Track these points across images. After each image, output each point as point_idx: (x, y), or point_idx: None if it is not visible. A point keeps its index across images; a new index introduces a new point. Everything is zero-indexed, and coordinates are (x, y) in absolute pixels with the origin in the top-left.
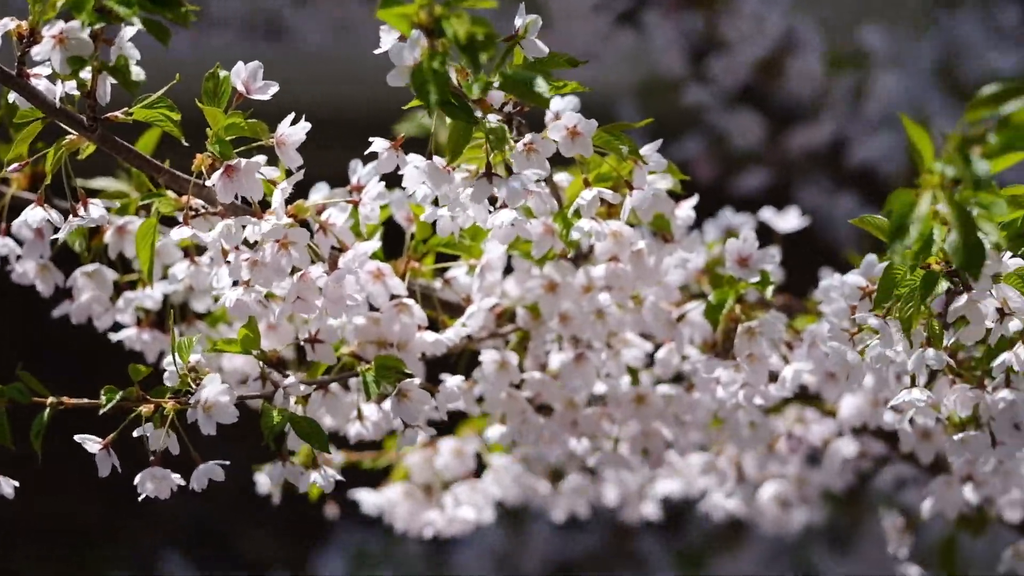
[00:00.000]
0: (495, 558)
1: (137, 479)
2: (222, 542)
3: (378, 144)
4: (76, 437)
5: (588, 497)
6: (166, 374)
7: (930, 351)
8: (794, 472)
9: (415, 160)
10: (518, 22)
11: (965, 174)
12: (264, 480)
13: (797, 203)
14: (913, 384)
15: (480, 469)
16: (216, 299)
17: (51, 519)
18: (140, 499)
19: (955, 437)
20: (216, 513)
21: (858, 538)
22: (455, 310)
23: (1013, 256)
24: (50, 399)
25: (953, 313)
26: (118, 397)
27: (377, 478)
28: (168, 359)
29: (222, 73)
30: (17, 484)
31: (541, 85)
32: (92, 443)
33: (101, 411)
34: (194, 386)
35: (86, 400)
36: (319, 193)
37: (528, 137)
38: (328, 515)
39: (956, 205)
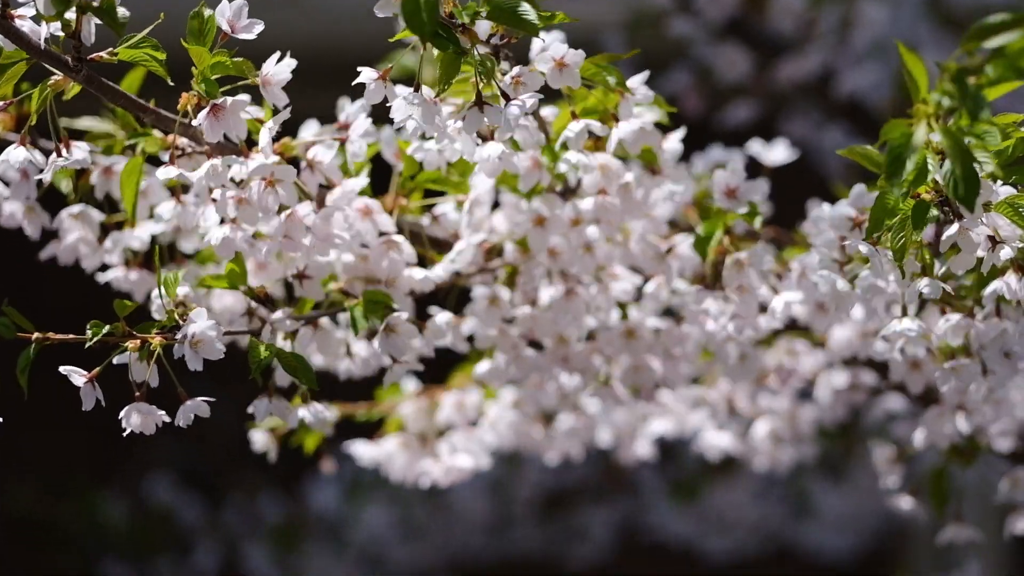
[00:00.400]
0: (490, 486)
1: (122, 413)
2: (215, 471)
3: (366, 75)
4: (61, 368)
5: (581, 438)
6: (154, 307)
7: (924, 280)
8: (786, 407)
9: (404, 92)
10: None
11: (963, 104)
12: (259, 437)
13: (785, 135)
14: (904, 314)
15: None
16: (203, 238)
17: (40, 454)
18: (125, 434)
19: (946, 366)
20: (214, 447)
21: (851, 469)
22: (444, 246)
23: (1004, 184)
24: (35, 334)
25: (945, 242)
26: (104, 331)
27: (369, 429)
28: (155, 294)
29: (207, 12)
30: (0, 420)
31: (529, 12)
32: (77, 376)
33: (87, 345)
34: (181, 322)
35: (72, 336)
36: (308, 131)
37: (516, 70)
38: (324, 470)
39: (951, 136)
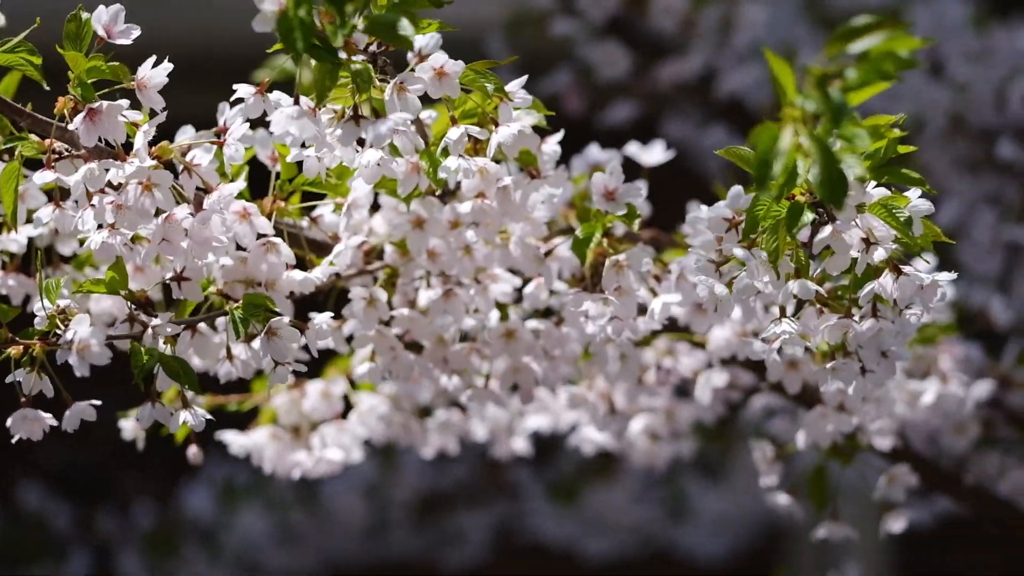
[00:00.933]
0: (366, 489)
1: (9, 421)
2: (92, 479)
3: (243, 90)
4: None
5: (457, 433)
6: (37, 319)
7: (795, 282)
8: (664, 404)
9: (282, 103)
10: None
11: (824, 108)
12: (128, 425)
13: (665, 135)
14: (782, 315)
15: (348, 409)
16: (82, 242)
17: None
18: (13, 441)
19: (826, 366)
20: (88, 453)
21: (729, 468)
22: (323, 248)
23: (878, 186)
24: None
25: (818, 244)
26: None
27: (244, 420)
28: (39, 303)
29: (84, 15)
30: None
31: (406, 27)
32: None
33: None
34: (63, 328)
35: None
36: (185, 135)
37: (399, 77)
38: (191, 459)
39: (816, 139)
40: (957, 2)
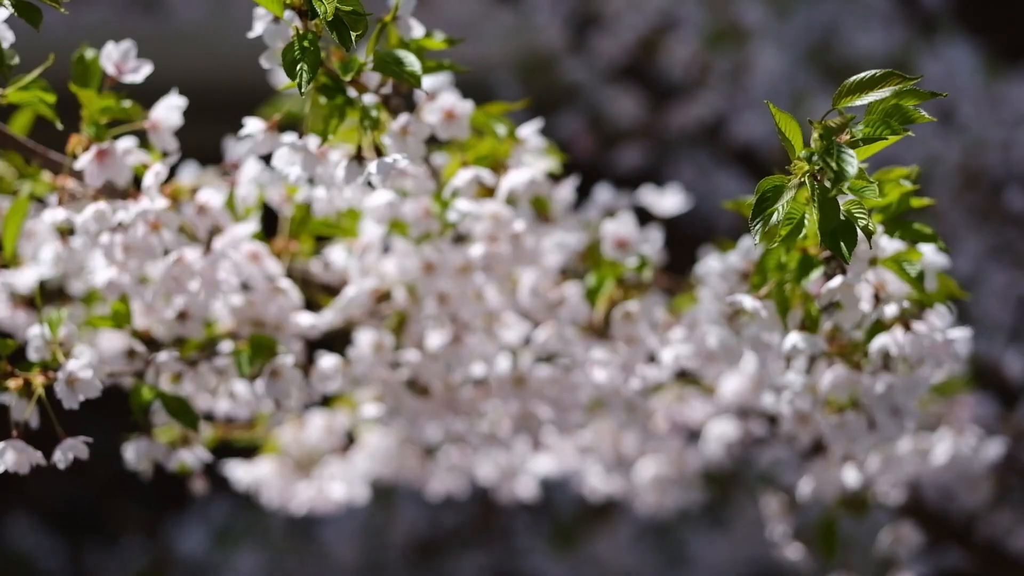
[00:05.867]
0: (362, 531)
1: None
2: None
3: (252, 126)
4: None
5: (464, 474)
6: (32, 346)
7: (797, 335)
8: (672, 452)
9: (288, 140)
10: (391, 0)
11: (828, 166)
12: (132, 455)
13: (675, 180)
14: (788, 367)
15: (351, 443)
16: (89, 280)
17: None
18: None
19: (833, 420)
20: (82, 486)
21: (731, 517)
22: (333, 290)
23: (892, 239)
24: None
25: (826, 296)
26: None
27: (247, 451)
28: (34, 330)
29: (89, 53)
30: None
31: (413, 64)
32: None
33: None
34: (63, 360)
35: None
36: (189, 172)
37: (403, 119)
38: (195, 491)
39: (819, 191)
40: (965, 51)
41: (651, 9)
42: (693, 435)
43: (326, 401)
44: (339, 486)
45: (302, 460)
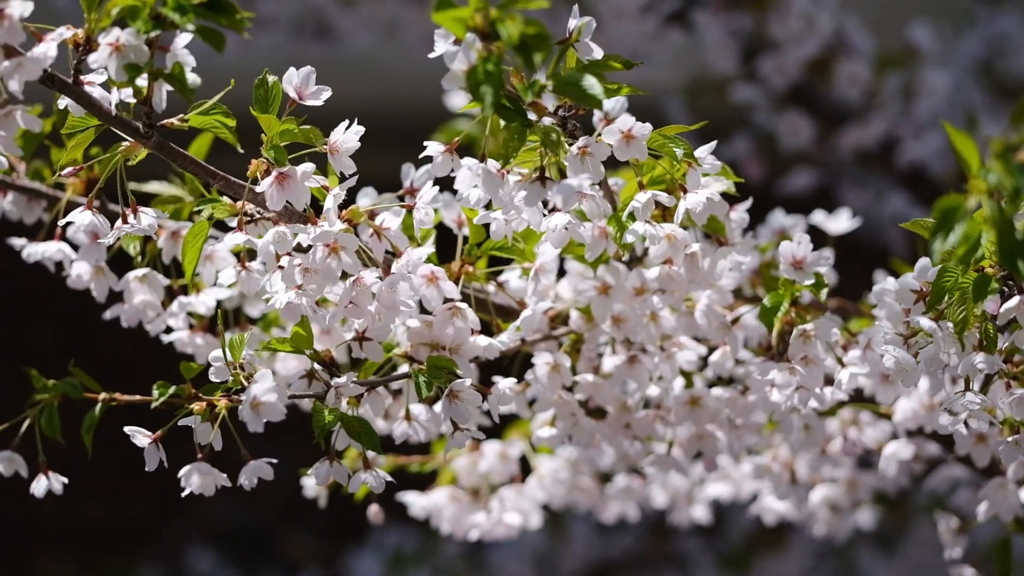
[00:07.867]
0: (534, 558)
1: (182, 472)
2: (259, 541)
3: (432, 148)
4: (126, 429)
5: (637, 499)
6: (212, 369)
7: (979, 355)
8: (846, 475)
9: (468, 163)
10: (571, 24)
11: (1004, 183)
12: (311, 483)
13: (845, 204)
14: (967, 387)
15: (526, 472)
16: (268, 303)
17: (91, 518)
18: (184, 495)
19: (1009, 439)
20: (256, 513)
21: (903, 540)
22: (509, 313)
23: None
24: (102, 395)
25: (1003, 316)
26: (170, 392)
27: (423, 481)
28: (215, 353)
29: (271, 79)
30: (66, 481)
31: (595, 87)
32: (142, 436)
33: (153, 405)
34: (245, 383)
35: (138, 396)
36: (366, 198)
37: (582, 141)
38: (371, 518)
39: (994, 208)
40: None
41: (822, 32)
42: (865, 460)
43: (500, 431)
44: (514, 514)
45: (477, 488)
